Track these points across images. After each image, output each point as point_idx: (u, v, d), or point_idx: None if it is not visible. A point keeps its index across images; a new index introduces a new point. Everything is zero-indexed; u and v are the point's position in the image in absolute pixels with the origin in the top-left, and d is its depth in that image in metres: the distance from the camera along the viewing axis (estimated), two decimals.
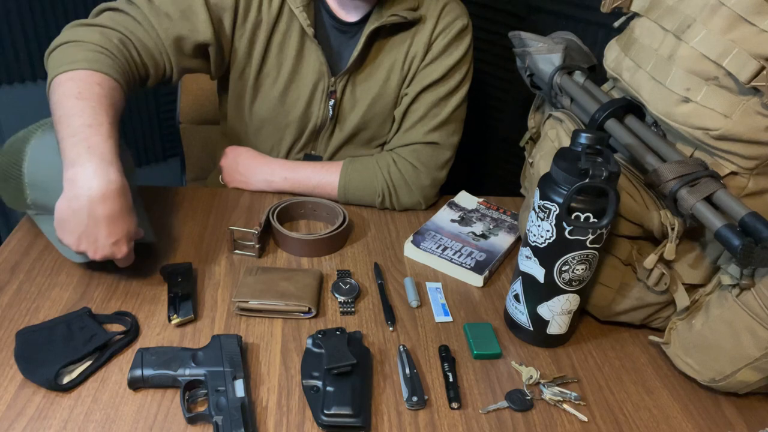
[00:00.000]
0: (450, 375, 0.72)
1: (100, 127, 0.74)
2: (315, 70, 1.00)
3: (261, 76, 1.02)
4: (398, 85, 1.04)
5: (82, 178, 0.70)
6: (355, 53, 0.98)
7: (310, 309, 0.79)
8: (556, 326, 0.77)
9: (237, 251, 0.91)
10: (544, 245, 0.71)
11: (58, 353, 0.68)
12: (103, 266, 0.79)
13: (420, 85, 1.02)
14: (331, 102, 1.02)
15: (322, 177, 1.04)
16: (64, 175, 0.71)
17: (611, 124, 0.79)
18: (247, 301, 0.78)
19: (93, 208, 0.70)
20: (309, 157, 1.10)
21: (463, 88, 1.05)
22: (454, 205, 1.05)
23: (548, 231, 0.70)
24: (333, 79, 1.01)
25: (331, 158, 1.10)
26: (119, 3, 0.90)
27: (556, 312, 0.75)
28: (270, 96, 1.03)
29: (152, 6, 0.89)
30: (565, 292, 0.73)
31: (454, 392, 0.70)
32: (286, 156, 1.10)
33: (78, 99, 0.76)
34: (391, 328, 0.80)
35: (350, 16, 0.99)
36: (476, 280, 0.89)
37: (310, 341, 0.72)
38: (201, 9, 0.91)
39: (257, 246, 0.90)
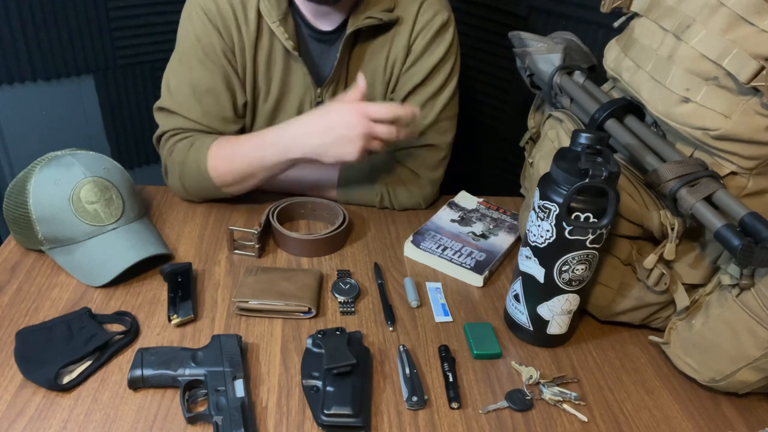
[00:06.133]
0: (450, 375, 0.73)
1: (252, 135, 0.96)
2: (301, 83, 0.99)
3: (255, 93, 1.01)
4: (383, 90, 1.02)
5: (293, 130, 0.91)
6: (336, 62, 0.97)
7: (310, 309, 0.79)
8: (556, 326, 0.77)
9: (237, 251, 0.91)
10: (544, 245, 0.71)
11: (58, 353, 0.68)
12: (117, 279, 0.80)
13: (404, 90, 1.00)
14: None
15: (322, 174, 1.04)
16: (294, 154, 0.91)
17: (611, 124, 0.79)
18: (247, 301, 0.78)
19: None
20: None
21: (450, 84, 1.02)
22: (454, 205, 1.05)
23: (548, 231, 0.70)
24: (318, 90, 1.00)
25: None
26: (172, 134, 0.99)
27: (556, 312, 0.75)
28: (263, 111, 1.02)
29: (202, 106, 0.97)
30: (565, 292, 0.73)
31: (454, 392, 0.70)
32: None
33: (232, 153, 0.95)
34: (391, 328, 0.80)
35: (326, 25, 0.97)
36: (476, 280, 0.89)
37: (310, 341, 0.72)
38: (220, 85, 0.97)
39: (257, 246, 0.90)
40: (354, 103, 0.86)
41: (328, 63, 1.00)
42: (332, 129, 0.86)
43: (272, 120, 1.02)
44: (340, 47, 0.96)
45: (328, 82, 0.99)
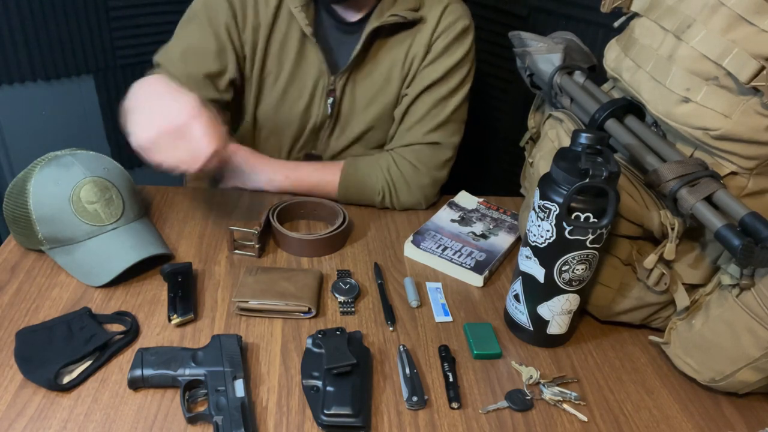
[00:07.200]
0: (450, 375, 0.72)
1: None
2: (315, 69, 1.01)
3: (263, 75, 1.02)
4: (399, 85, 1.03)
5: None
6: (355, 52, 0.98)
7: (310, 309, 0.79)
8: (556, 326, 0.77)
9: (237, 251, 0.91)
10: (544, 245, 0.71)
11: (58, 353, 0.68)
12: (117, 279, 0.80)
13: (420, 86, 1.02)
14: (330, 100, 1.02)
15: (322, 175, 1.04)
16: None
17: (611, 124, 0.79)
18: (247, 301, 0.78)
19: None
20: (309, 157, 1.10)
21: (464, 88, 1.04)
22: (454, 205, 1.05)
23: (548, 231, 0.70)
24: (332, 78, 1.01)
25: (335, 159, 1.10)
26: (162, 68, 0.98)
27: (556, 312, 0.75)
28: (271, 95, 1.03)
29: (186, 66, 0.96)
30: (565, 292, 0.73)
31: (454, 392, 0.70)
32: (288, 156, 1.11)
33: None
34: (391, 328, 0.80)
35: (350, 16, 1.00)
36: (476, 280, 0.89)
37: (310, 341, 0.72)
38: (211, 51, 0.96)
39: (257, 246, 0.90)
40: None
41: (346, 52, 1.01)
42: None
43: (280, 103, 1.03)
44: (361, 39, 0.97)
45: (344, 71, 1.00)
